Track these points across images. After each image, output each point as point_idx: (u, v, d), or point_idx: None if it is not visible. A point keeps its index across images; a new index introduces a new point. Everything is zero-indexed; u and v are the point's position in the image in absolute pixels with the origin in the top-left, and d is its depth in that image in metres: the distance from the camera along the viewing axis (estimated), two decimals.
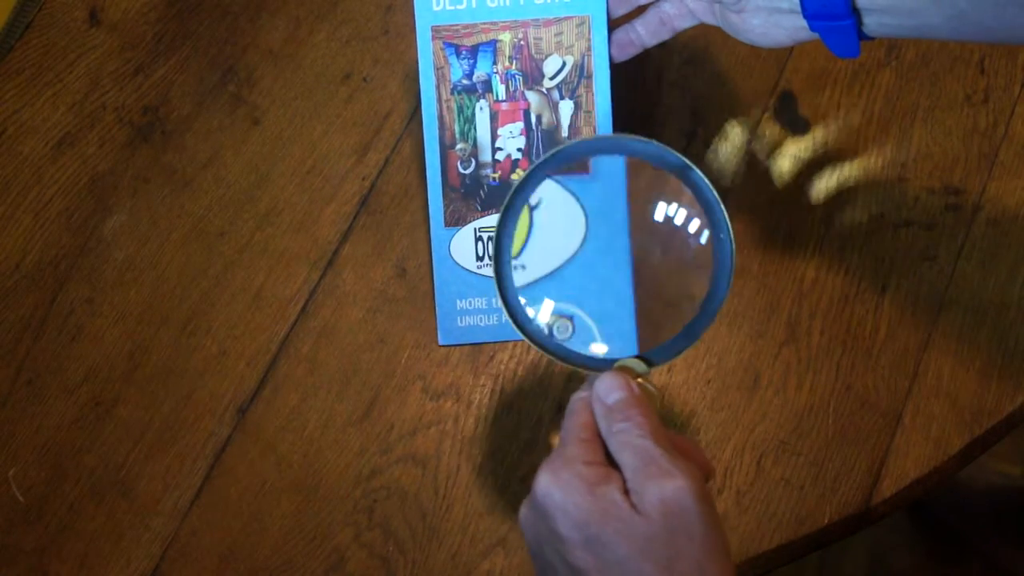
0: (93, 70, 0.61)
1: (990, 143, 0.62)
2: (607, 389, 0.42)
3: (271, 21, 0.63)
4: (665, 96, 0.62)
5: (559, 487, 0.39)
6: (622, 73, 0.63)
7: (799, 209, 0.61)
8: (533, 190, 0.45)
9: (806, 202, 0.61)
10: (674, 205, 0.46)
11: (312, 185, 0.60)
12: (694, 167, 0.44)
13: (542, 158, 0.45)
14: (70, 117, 0.61)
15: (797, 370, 0.58)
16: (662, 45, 0.64)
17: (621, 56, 0.56)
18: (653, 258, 0.47)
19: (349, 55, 0.62)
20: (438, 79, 0.56)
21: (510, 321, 0.44)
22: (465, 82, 0.56)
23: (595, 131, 0.56)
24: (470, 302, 0.56)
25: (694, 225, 0.45)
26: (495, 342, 0.58)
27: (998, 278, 0.60)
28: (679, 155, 0.44)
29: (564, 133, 0.56)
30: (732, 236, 0.44)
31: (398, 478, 0.57)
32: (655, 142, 0.44)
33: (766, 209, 0.61)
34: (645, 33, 0.55)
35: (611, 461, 0.40)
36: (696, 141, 0.62)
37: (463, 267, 0.56)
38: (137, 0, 0.63)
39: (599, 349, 0.46)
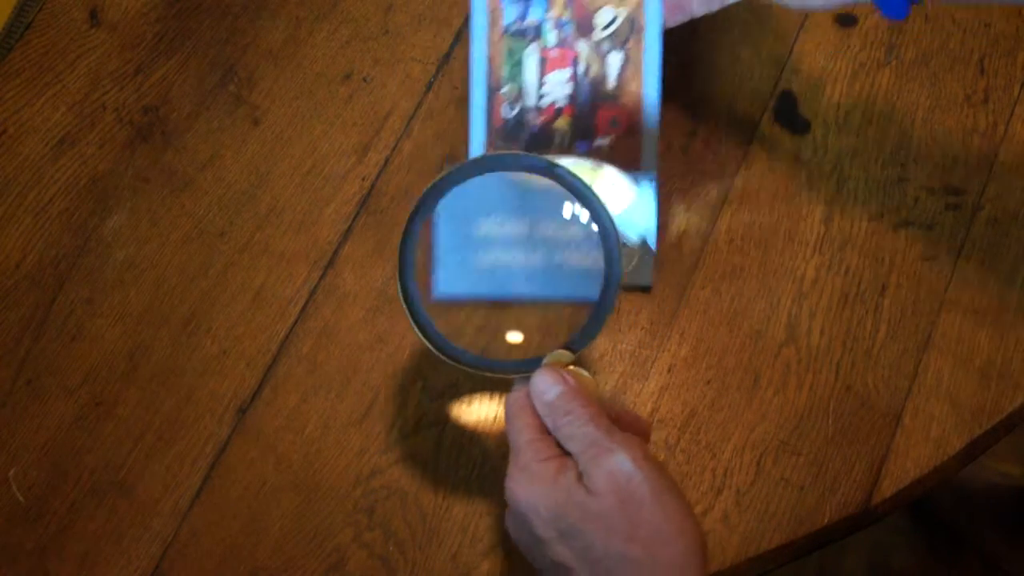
0: (93, 70, 0.61)
1: (990, 143, 0.62)
2: (544, 387, 0.43)
3: (271, 21, 0.63)
4: (665, 96, 0.62)
5: (524, 492, 0.41)
6: None
7: (799, 209, 0.61)
8: (428, 215, 0.47)
9: (806, 202, 0.61)
10: (569, 205, 0.49)
11: (312, 185, 0.60)
12: (557, 163, 0.46)
13: (428, 187, 0.46)
14: (70, 117, 0.61)
15: (797, 370, 0.58)
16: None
17: (671, 21, 0.56)
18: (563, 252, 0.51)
19: (349, 55, 0.62)
20: (491, 21, 0.55)
21: (424, 341, 0.46)
22: (517, 26, 0.56)
23: (641, 85, 0.56)
24: (463, 258, 0.55)
25: (584, 217, 0.48)
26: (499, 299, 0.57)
27: (998, 278, 0.60)
28: (540, 157, 0.47)
29: (611, 84, 0.56)
30: (612, 217, 0.46)
31: (398, 478, 0.57)
32: (520, 152, 0.47)
33: (766, 209, 0.61)
34: (696, 1, 0.54)
35: (564, 450, 0.42)
36: (696, 141, 0.62)
37: (455, 227, 0.55)
38: (137, 0, 0.63)
39: (515, 339, 0.48)
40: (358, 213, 0.60)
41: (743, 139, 0.62)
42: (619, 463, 0.40)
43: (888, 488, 0.57)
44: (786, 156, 0.62)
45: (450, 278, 0.54)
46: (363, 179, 0.61)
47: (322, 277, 0.59)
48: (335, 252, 0.60)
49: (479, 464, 0.57)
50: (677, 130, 0.62)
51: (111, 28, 0.62)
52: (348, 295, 0.59)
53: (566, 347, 0.46)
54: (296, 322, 0.58)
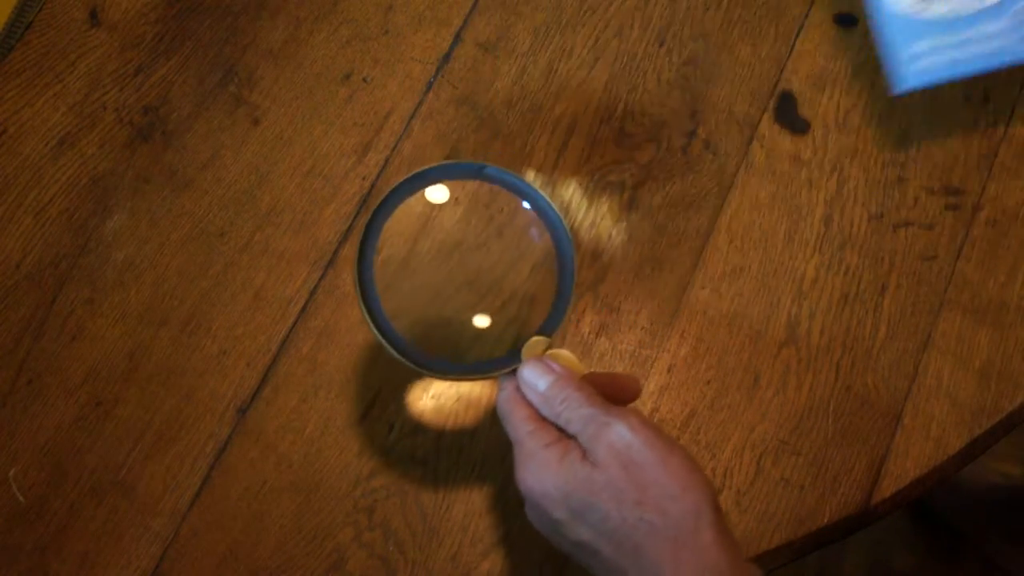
0: (93, 70, 0.61)
1: (990, 143, 0.62)
2: (534, 379, 0.45)
3: (271, 21, 0.63)
4: (665, 96, 0.62)
5: (534, 479, 0.43)
6: (618, 77, 0.63)
7: (799, 209, 0.61)
8: (376, 239, 0.48)
9: (806, 202, 0.61)
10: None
11: (312, 185, 0.60)
12: (485, 164, 0.49)
13: (370, 215, 0.48)
14: (70, 117, 0.61)
15: (797, 370, 0.58)
16: (661, 44, 0.64)
17: None
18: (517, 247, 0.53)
19: (349, 55, 0.62)
20: None
21: (403, 361, 0.46)
22: None
23: None
24: (920, 44, 0.51)
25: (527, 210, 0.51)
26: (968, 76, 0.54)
27: (998, 278, 0.60)
28: (469, 162, 0.49)
29: None
30: (550, 201, 0.49)
31: (398, 478, 0.57)
32: (451, 162, 0.50)
33: (766, 209, 0.61)
34: None
35: (564, 434, 0.44)
36: (696, 141, 0.62)
37: (902, 13, 0.51)
38: (137, 0, 0.63)
39: (482, 322, 0.49)
40: (358, 213, 0.60)
41: (743, 139, 0.62)
42: (618, 433, 0.41)
43: (888, 488, 0.57)
44: (786, 156, 0.62)
45: (921, 66, 0.51)
46: (363, 179, 0.61)
47: (322, 277, 0.59)
48: (335, 252, 0.60)
49: (479, 464, 0.57)
50: (677, 130, 0.62)
51: (111, 28, 0.62)
52: (348, 295, 0.59)
53: (539, 333, 0.48)
54: (296, 322, 0.58)
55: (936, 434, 0.57)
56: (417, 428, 0.57)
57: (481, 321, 0.50)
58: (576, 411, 0.43)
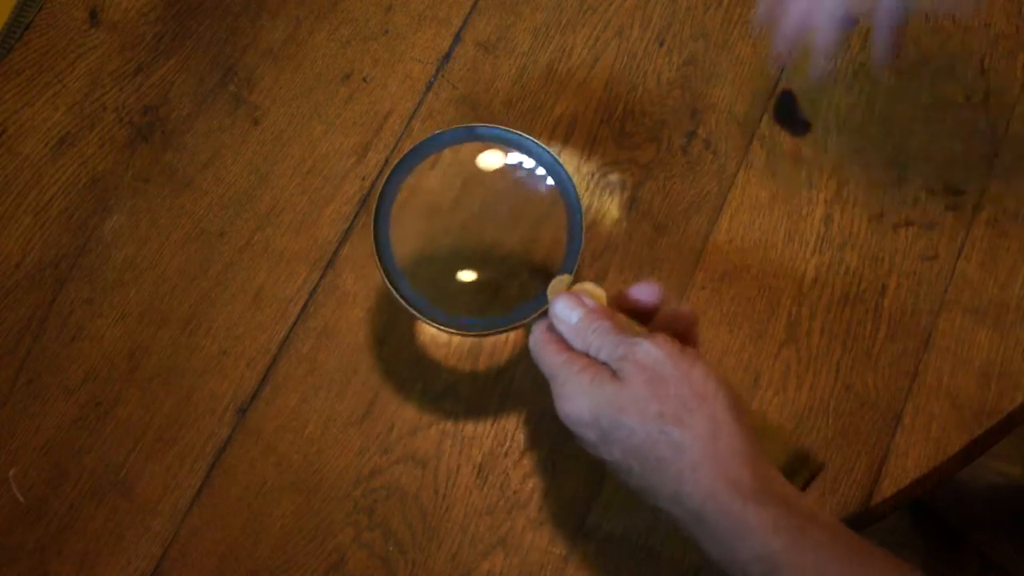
0: (93, 70, 0.61)
1: (990, 143, 0.62)
2: (565, 313, 0.46)
3: (271, 21, 0.63)
4: (665, 96, 0.62)
5: (569, 405, 0.44)
6: (618, 77, 0.63)
7: (799, 209, 0.61)
8: (401, 182, 0.51)
9: (806, 202, 0.61)
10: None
11: (312, 185, 0.60)
12: (475, 124, 0.52)
13: (404, 155, 0.51)
14: (70, 117, 0.61)
15: (797, 370, 0.58)
16: (661, 44, 0.64)
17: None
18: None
19: (349, 55, 0.62)
20: None
21: (434, 325, 0.49)
22: None
23: None
24: None
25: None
26: None
27: (998, 278, 0.60)
28: (458, 126, 0.52)
29: None
30: (550, 150, 0.51)
31: (398, 478, 0.57)
32: (441, 130, 0.51)
33: (766, 209, 0.61)
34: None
35: (595, 361, 0.45)
36: (696, 141, 0.62)
37: None
38: (137, 0, 0.63)
39: (499, 277, 0.51)
40: (358, 213, 0.60)
41: (743, 139, 0.62)
42: (644, 350, 0.43)
43: (888, 488, 0.57)
44: (786, 156, 0.62)
45: None
46: (363, 179, 0.61)
47: (322, 277, 0.59)
48: (335, 252, 0.60)
49: (479, 464, 0.57)
50: (677, 130, 0.62)
51: (111, 28, 0.62)
52: (348, 295, 0.59)
53: (560, 272, 0.49)
54: (296, 322, 0.58)
55: (936, 434, 0.57)
56: (417, 427, 0.57)
57: (497, 276, 0.52)
58: (606, 337, 0.44)
